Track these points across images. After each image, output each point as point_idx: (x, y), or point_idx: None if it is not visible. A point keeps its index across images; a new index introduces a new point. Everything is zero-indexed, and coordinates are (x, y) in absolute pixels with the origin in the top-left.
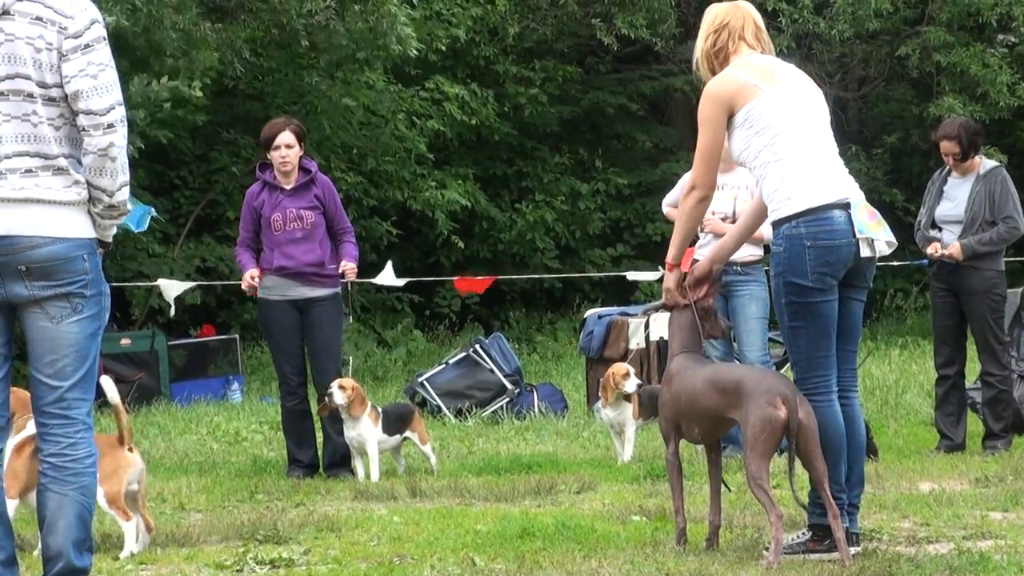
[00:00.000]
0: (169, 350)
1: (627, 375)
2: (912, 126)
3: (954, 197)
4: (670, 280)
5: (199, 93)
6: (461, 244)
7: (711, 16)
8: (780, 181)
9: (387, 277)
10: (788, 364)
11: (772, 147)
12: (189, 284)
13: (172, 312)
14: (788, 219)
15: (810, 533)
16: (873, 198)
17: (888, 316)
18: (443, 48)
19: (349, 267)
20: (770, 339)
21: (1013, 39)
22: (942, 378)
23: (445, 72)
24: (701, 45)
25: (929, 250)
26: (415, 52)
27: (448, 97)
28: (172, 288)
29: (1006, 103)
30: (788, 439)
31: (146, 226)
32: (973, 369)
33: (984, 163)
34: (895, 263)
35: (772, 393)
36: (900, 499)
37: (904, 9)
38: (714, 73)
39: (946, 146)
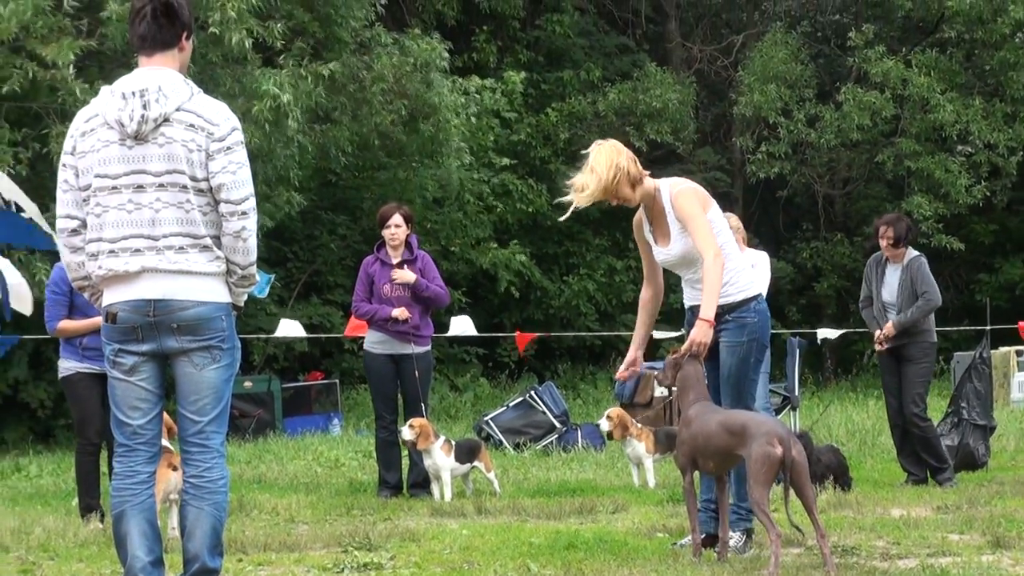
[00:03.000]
0: (282, 391)
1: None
2: None
3: (890, 284)
4: (707, 335)
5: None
6: (518, 294)
7: (615, 152)
8: (733, 271)
9: (461, 326)
10: (785, 410)
11: (723, 247)
12: (299, 330)
13: (278, 335)
14: (754, 298)
15: (746, 537)
16: (854, 276)
17: (866, 372)
18: (495, 140)
19: (397, 312)
20: (770, 390)
21: (970, 149)
22: (895, 426)
23: (508, 168)
24: (624, 171)
25: (876, 345)
26: (467, 160)
27: (508, 185)
28: (285, 328)
29: (963, 201)
30: (783, 472)
31: (266, 293)
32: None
33: (909, 253)
34: None
35: (771, 435)
36: (875, 522)
37: (881, 124)
38: (633, 189)
39: (884, 231)
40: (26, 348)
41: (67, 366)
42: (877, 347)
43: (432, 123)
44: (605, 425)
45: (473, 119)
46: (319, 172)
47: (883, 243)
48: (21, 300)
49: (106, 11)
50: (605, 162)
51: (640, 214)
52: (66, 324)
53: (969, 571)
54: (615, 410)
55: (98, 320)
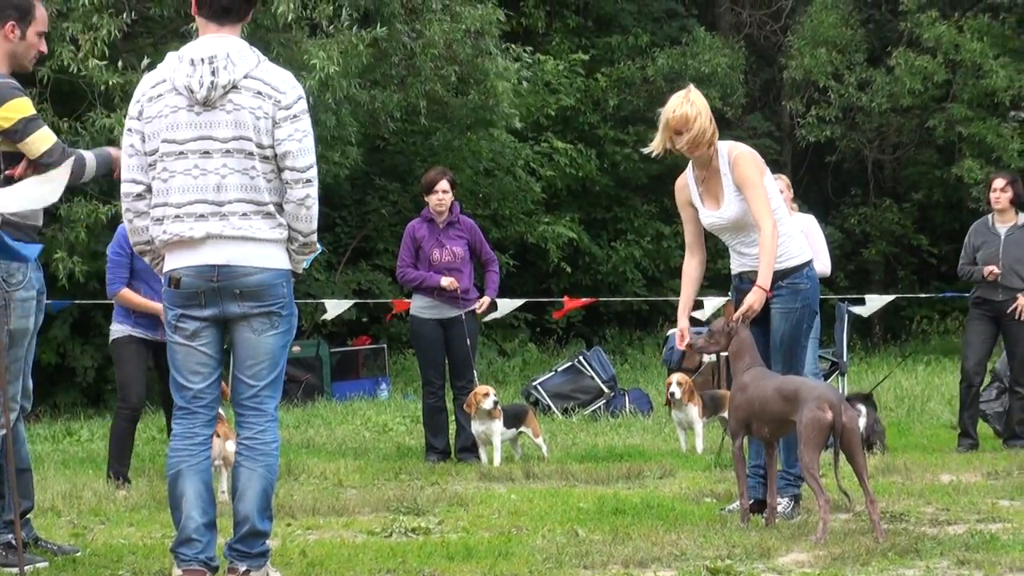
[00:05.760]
0: (330, 356)
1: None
2: (936, 185)
3: (1004, 246)
4: (762, 301)
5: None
6: (569, 269)
7: (704, 101)
8: (786, 236)
9: (504, 307)
10: (833, 376)
11: (775, 211)
12: (348, 303)
13: (329, 317)
14: (806, 264)
15: (794, 502)
16: (903, 242)
17: (915, 338)
18: (553, 114)
19: (486, 302)
20: (819, 356)
21: (1022, 115)
22: (971, 385)
23: (557, 134)
24: (709, 121)
25: (988, 275)
26: (518, 125)
27: (558, 151)
28: (334, 307)
29: (1016, 165)
30: (833, 437)
31: (307, 265)
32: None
33: (1020, 217)
34: (921, 295)
35: (822, 399)
36: (924, 488)
37: (932, 89)
38: (712, 138)
39: (1003, 185)
40: (72, 312)
41: (118, 329)
42: (987, 275)
43: (482, 89)
44: (679, 392)
45: (525, 83)
46: (368, 137)
47: (1000, 196)
48: None
49: None
50: (706, 108)
51: (685, 177)
52: (129, 294)
53: (1019, 537)
54: (681, 375)
55: (159, 306)
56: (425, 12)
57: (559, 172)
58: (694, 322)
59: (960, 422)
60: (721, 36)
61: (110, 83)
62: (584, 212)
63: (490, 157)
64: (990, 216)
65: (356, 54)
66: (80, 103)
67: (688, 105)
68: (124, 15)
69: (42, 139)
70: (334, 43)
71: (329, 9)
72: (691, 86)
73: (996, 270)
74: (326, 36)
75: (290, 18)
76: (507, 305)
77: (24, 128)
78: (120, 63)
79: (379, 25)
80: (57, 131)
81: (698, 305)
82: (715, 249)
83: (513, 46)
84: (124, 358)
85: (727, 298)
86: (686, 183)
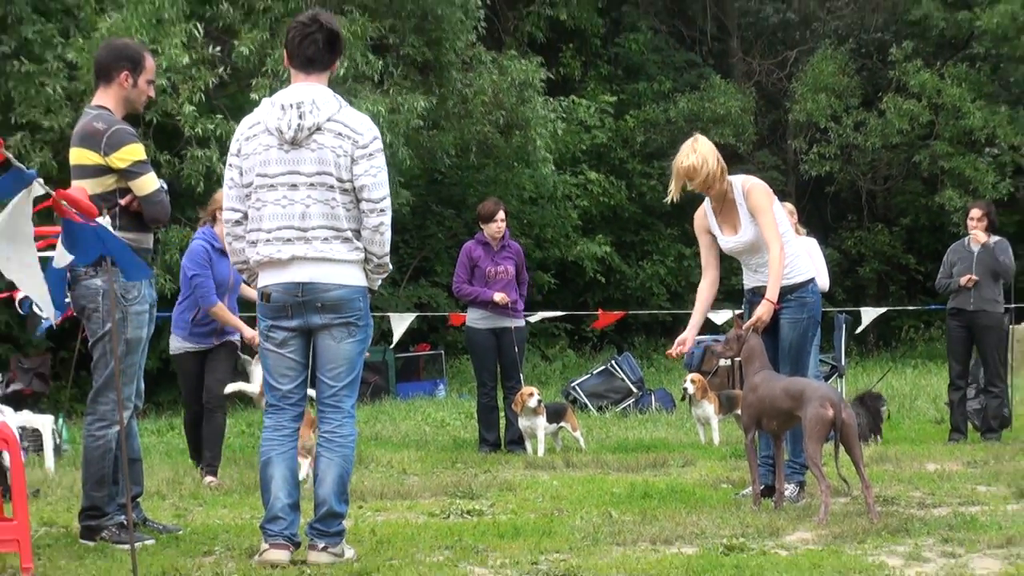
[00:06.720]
0: (395, 360)
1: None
2: (921, 211)
3: (977, 262)
4: (770, 313)
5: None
6: (604, 279)
7: (710, 147)
8: (793, 256)
9: (542, 314)
10: (833, 377)
11: (784, 235)
12: (411, 316)
13: (396, 339)
14: (811, 280)
15: (799, 488)
16: (893, 261)
17: (904, 344)
18: (586, 148)
19: (499, 296)
20: (820, 360)
21: (996, 151)
22: (958, 388)
23: (592, 167)
24: (716, 164)
25: (964, 281)
26: (551, 169)
27: (592, 181)
28: (398, 324)
29: (990, 196)
30: (834, 431)
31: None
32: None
33: (992, 238)
34: (910, 307)
35: (824, 398)
36: (913, 475)
37: (918, 128)
38: (720, 183)
39: (980, 215)
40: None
41: (176, 345)
42: (964, 282)
43: (523, 135)
44: (691, 388)
45: (560, 132)
46: (427, 171)
47: (976, 225)
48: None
49: (240, 44)
50: (711, 153)
51: (704, 208)
52: (222, 309)
53: (995, 519)
54: (696, 375)
55: (241, 324)
56: (476, 64)
57: (593, 201)
58: (712, 327)
59: (952, 420)
60: (734, 83)
61: (203, 128)
62: (615, 235)
63: (533, 187)
64: (966, 239)
65: (405, 112)
66: (178, 140)
67: (694, 155)
68: (220, 68)
69: (149, 182)
70: (383, 99)
71: (379, 63)
72: (697, 135)
73: (974, 276)
74: (380, 91)
75: (340, 72)
76: (547, 314)
77: (137, 170)
78: (213, 111)
79: (437, 78)
80: (158, 164)
81: (709, 322)
82: (730, 267)
83: (551, 99)
84: (183, 371)
85: (740, 310)
86: (704, 213)
